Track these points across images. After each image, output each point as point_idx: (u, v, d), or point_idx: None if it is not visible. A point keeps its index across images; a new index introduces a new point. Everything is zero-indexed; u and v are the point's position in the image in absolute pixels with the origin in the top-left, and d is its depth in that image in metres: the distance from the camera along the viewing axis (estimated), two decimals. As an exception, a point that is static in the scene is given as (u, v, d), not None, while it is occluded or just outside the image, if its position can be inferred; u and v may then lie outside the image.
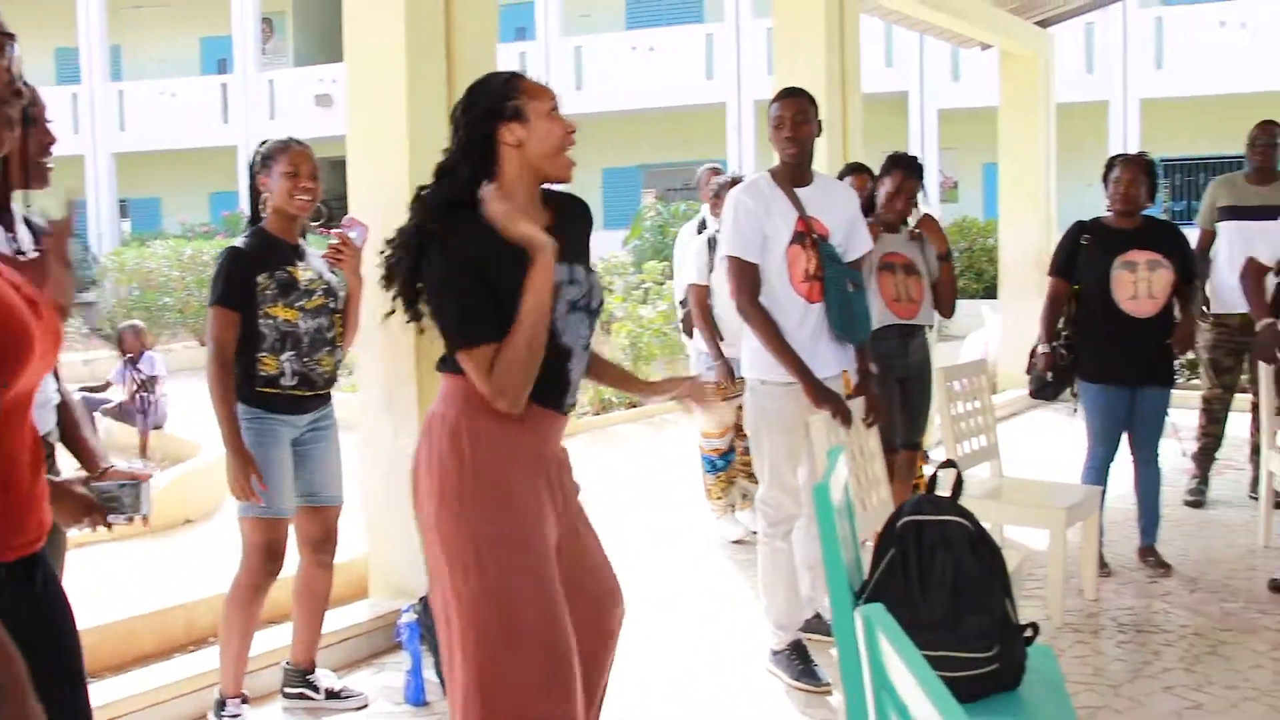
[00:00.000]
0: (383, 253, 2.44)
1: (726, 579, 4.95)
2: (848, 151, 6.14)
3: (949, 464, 2.63)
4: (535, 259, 2.29)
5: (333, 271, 3.47)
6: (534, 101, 2.38)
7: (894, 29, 17.02)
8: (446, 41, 4.11)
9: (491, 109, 2.36)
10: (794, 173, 3.70)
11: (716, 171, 5.75)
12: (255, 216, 3.44)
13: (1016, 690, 2.50)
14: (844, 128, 6.29)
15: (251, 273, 3.29)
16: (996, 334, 9.51)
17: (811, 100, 3.72)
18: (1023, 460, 7.04)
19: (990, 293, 12.79)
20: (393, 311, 2.45)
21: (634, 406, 9.21)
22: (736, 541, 5.36)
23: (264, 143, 3.45)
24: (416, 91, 4.01)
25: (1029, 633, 2.53)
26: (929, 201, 4.90)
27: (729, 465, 5.48)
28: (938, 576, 2.35)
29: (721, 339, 5.04)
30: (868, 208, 4.78)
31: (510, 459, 2.37)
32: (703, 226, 5.49)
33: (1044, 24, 9.74)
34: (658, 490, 6.67)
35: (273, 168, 3.35)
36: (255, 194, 3.43)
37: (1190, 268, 4.68)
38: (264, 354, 3.30)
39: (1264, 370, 5.00)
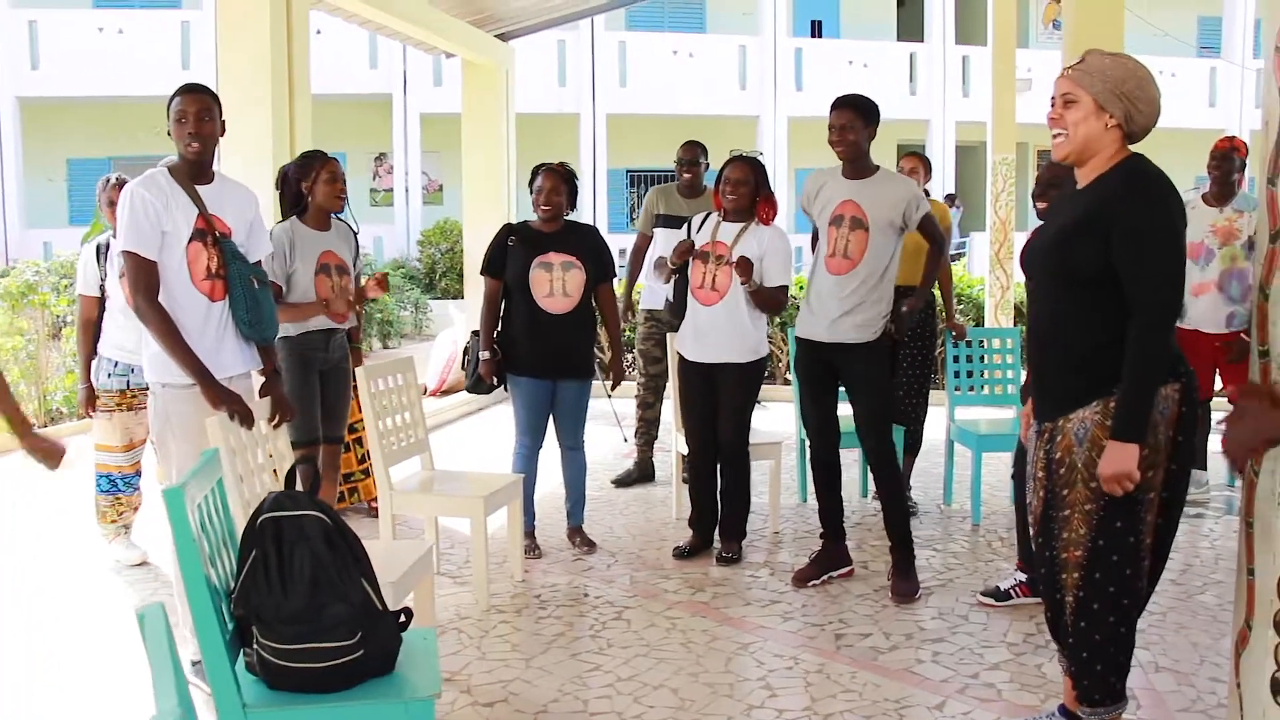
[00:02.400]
0: None
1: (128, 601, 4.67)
2: (294, 150, 6.04)
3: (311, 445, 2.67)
4: None
5: None
6: None
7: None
8: None
9: None
10: (195, 170, 3.61)
11: None
12: None
13: (392, 674, 2.61)
14: (290, 127, 6.19)
15: None
16: (463, 333, 9.81)
17: (215, 98, 3.65)
18: (478, 454, 7.36)
19: (472, 294, 13.19)
20: None
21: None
22: (140, 565, 5.04)
23: None
24: None
25: (402, 618, 2.64)
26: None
27: (134, 491, 5.07)
28: (298, 571, 2.38)
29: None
30: (296, 202, 4.78)
31: None
32: None
33: (504, 37, 10.19)
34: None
35: None
36: None
37: (603, 270, 5.09)
38: None
39: (672, 357, 5.53)
